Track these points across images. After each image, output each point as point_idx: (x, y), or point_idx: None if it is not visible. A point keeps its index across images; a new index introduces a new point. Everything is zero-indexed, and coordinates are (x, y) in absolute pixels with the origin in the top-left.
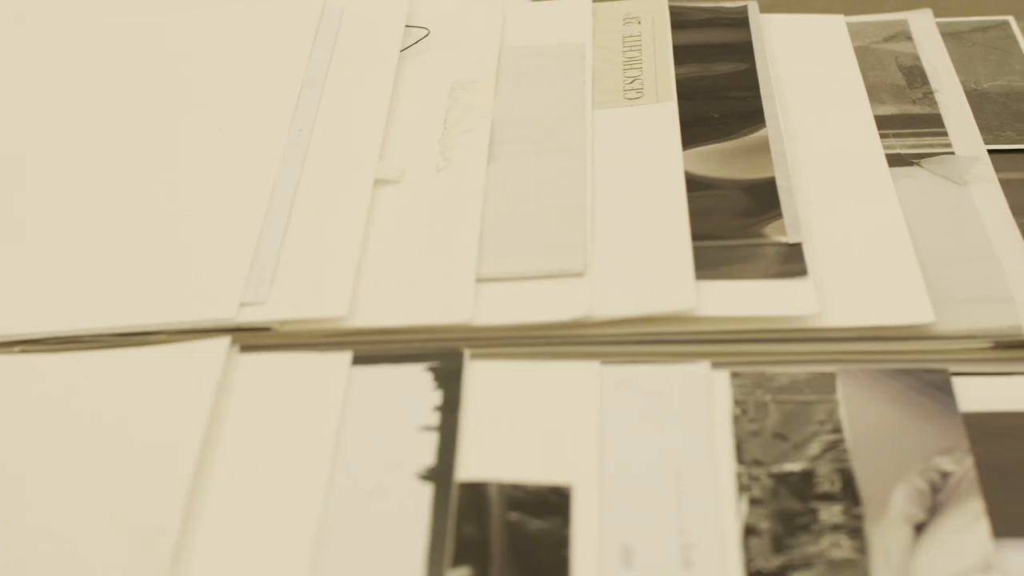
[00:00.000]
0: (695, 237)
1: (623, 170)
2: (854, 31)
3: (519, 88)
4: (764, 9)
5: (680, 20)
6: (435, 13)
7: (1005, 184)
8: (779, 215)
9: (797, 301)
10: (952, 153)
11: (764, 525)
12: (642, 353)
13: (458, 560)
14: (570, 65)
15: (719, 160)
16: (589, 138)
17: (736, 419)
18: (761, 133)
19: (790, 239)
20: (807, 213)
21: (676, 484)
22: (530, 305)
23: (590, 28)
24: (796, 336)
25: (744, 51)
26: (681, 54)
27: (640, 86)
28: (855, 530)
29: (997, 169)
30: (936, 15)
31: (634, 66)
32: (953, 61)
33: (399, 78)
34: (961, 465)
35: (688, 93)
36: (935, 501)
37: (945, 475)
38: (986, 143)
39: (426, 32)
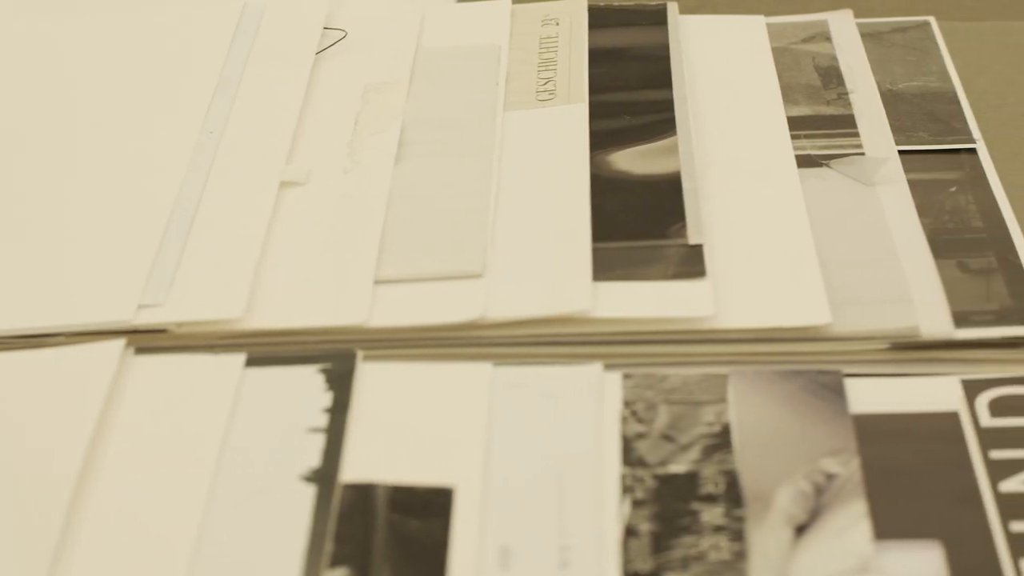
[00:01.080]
0: (598, 239)
1: (530, 171)
2: (774, 32)
3: (432, 90)
4: (690, 10)
5: (599, 21)
6: (355, 15)
7: (914, 185)
8: (683, 217)
9: (693, 302)
10: (862, 154)
11: (644, 527)
12: (537, 355)
13: (336, 561)
14: (484, 67)
15: (628, 161)
16: (498, 140)
17: (624, 421)
18: (671, 135)
19: (691, 240)
20: (714, 214)
21: (559, 486)
22: (426, 306)
23: (508, 30)
24: (692, 337)
25: (660, 52)
26: (598, 55)
27: (553, 87)
28: (736, 532)
29: (908, 170)
30: (864, 15)
31: (548, 67)
32: (871, 62)
33: (314, 80)
34: (847, 467)
35: (602, 94)
36: (818, 503)
37: (830, 477)
38: (898, 144)
39: (343, 34)
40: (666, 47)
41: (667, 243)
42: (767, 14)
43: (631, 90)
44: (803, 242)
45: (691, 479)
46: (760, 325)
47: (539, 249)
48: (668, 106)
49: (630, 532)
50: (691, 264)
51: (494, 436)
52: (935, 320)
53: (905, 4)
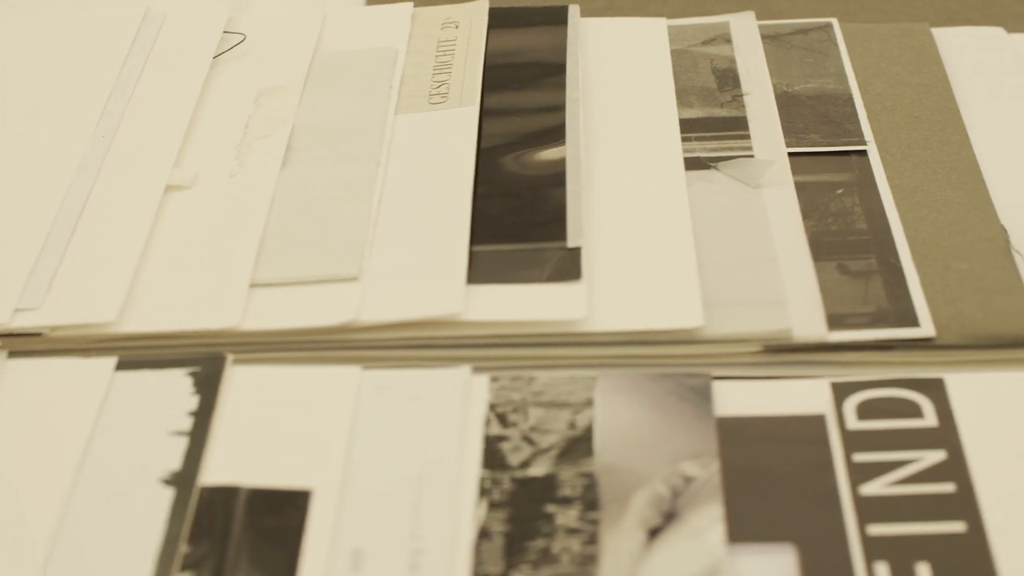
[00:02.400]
0: (480, 242)
1: (415, 175)
2: (675, 34)
3: (325, 94)
4: (596, 12)
5: (501, 23)
6: (256, 19)
7: (802, 186)
8: (563, 220)
9: (565, 305)
10: (751, 156)
11: (498, 529)
12: (410, 358)
13: (188, 564)
14: (379, 70)
15: (515, 164)
16: (385, 143)
17: (488, 423)
18: (560, 137)
19: (570, 243)
20: (598, 217)
21: (418, 488)
22: (300, 310)
23: (407, 33)
24: (563, 340)
25: (558, 54)
26: (496, 57)
27: (446, 90)
28: (589, 534)
29: (797, 171)
30: (775, 18)
31: (444, 71)
32: (771, 63)
33: (211, 84)
34: (707, 470)
35: (496, 96)
36: (675, 506)
37: (689, 480)
38: (789, 146)
39: (242, 38)
40: (564, 49)
41: (546, 246)
42: (677, 16)
43: (525, 92)
44: (682, 245)
45: (549, 482)
46: (632, 328)
47: (417, 253)
48: (560, 109)
49: (484, 534)
50: (567, 267)
51: (357, 439)
52: (808, 323)
53: (816, 6)
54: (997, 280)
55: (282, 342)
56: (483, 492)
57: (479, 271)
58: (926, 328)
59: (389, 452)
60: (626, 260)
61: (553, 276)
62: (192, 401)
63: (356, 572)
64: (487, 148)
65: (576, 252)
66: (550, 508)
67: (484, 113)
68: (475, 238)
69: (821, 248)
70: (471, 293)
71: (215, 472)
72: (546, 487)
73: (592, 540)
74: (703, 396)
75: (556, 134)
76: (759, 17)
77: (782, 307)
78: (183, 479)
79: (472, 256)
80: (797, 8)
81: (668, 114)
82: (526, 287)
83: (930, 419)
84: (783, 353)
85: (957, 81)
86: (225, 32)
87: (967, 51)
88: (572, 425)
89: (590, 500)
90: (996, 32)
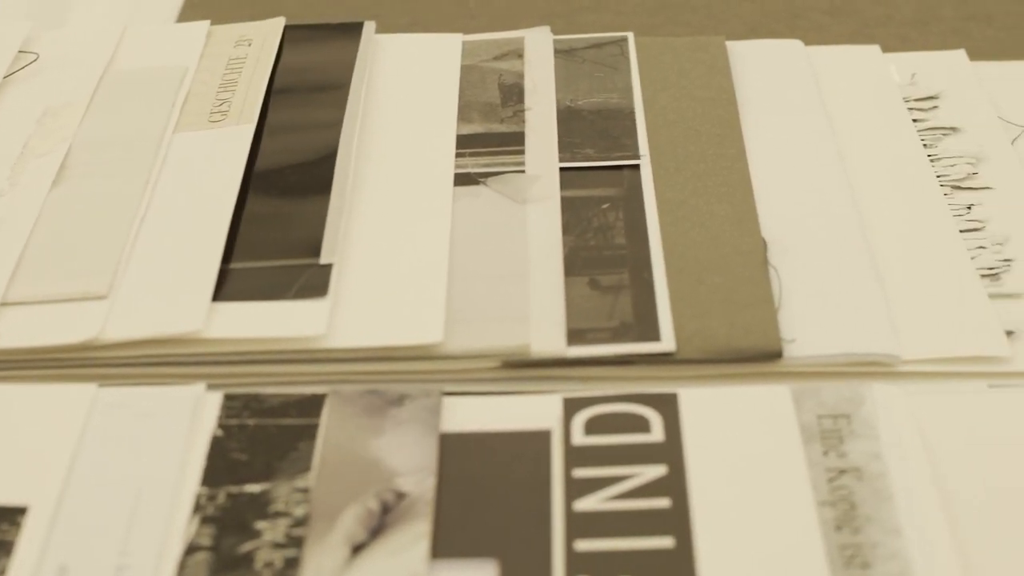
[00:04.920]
0: (239, 259)
1: (183, 192)
2: (469, 49)
3: (109, 112)
4: (403, 28)
5: (295, 40)
6: (52, 38)
7: (569, 201)
8: (320, 236)
9: (306, 322)
10: (522, 171)
11: (206, 543)
12: (152, 375)
13: None
14: (164, 89)
15: (284, 181)
16: (158, 161)
17: (215, 441)
18: (332, 155)
19: (323, 260)
20: (361, 233)
21: (133, 506)
22: (45, 328)
23: (199, 51)
24: (303, 357)
25: (345, 70)
26: (285, 75)
27: (227, 108)
28: (294, 550)
29: (569, 186)
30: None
31: (229, 88)
32: (560, 78)
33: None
34: (420, 486)
35: (278, 113)
36: (383, 522)
37: (401, 496)
38: (564, 160)
39: (35, 57)
40: (352, 66)
41: (299, 263)
42: (484, 31)
43: (306, 109)
44: (436, 261)
45: (264, 497)
46: (371, 344)
47: (171, 270)
48: (337, 125)
49: (191, 549)
50: (316, 284)
51: (82, 456)
52: (547, 338)
53: (621, 20)
54: (747, 294)
55: (27, 360)
56: (197, 508)
57: (231, 288)
58: (667, 343)
59: (111, 469)
60: (379, 276)
61: (300, 293)
62: None
63: None
64: (261, 165)
65: (327, 269)
66: (260, 523)
67: (264, 130)
68: (234, 255)
69: (576, 263)
70: (218, 311)
71: None
72: (260, 503)
73: (296, 555)
74: (430, 412)
75: (329, 151)
76: (565, 32)
77: (523, 323)
78: None
79: (227, 274)
80: (603, 22)
81: (446, 130)
82: (273, 304)
83: (657, 434)
84: (522, 369)
85: (747, 94)
86: (20, 51)
87: (762, 64)
88: (296, 443)
89: (300, 516)
90: (794, 44)
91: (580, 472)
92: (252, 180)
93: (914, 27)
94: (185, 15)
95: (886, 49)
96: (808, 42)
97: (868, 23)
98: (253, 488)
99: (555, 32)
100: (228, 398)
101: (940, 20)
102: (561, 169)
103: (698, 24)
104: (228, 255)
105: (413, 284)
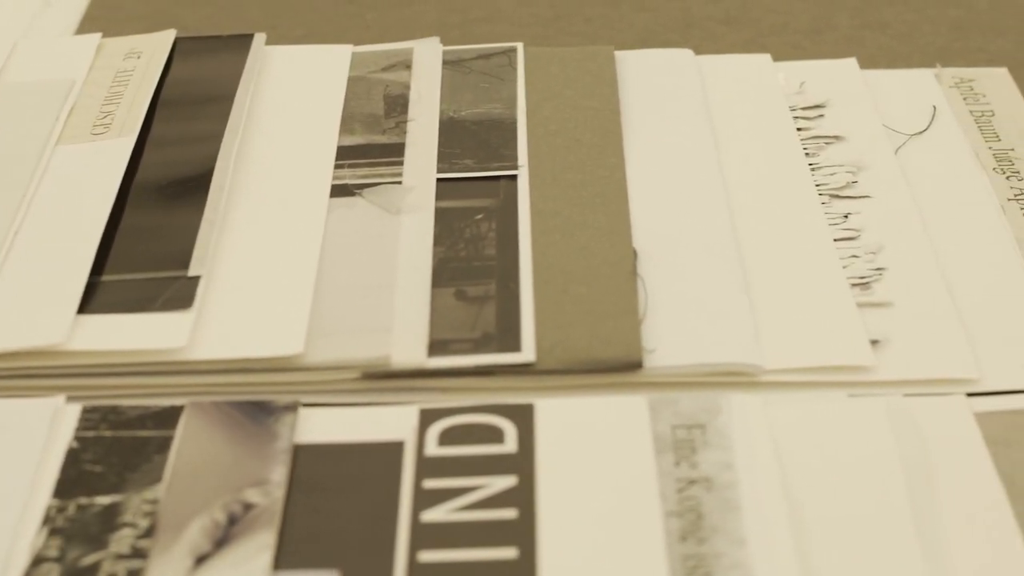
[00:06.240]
0: (109, 271)
1: (58, 207)
2: (359, 60)
3: None
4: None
5: (185, 52)
6: None
7: (444, 212)
8: (191, 249)
9: (168, 334)
10: (399, 183)
11: (53, 555)
12: (13, 388)
13: None
14: (51, 101)
15: (161, 193)
16: (36, 175)
17: (70, 453)
18: (210, 167)
19: (191, 272)
20: (234, 245)
21: None
22: None
23: (87, 64)
24: (163, 369)
25: (232, 83)
26: (172, 87)
27: (110, 121)
28: (139, 561)
29: (446, 197)
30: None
31: (114, 101)
32: (447, 89)
33: None
34: (268, 497)
35: (161, 125)
36: (228, 533)
37: (248, 507)
38: (442, 171)
39: None
40: (239, 78)
41: (168, 275)
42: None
43: (189, 121)
44: (303, 273)
45: (115, 509)
46: (232, 356)
47: (38, 283)
48: (218, 138)
49: (37, 561)
50: (182, 296)
51: None
52: (408, 349)
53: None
54: (612, 304)
55: None
56: (47, 520)
57: (99, 301)
58: (527, 353)
59: None
60: (246, 289)
61: (165, 305)
62: None
63: None
64: (141, 178)
65: (194, 281)
66: (108, 535)
67: (147, 143)
68: (106, 268)
69: (444, 274)
70: (83, 323)
71: None
72: (110, 514)
73: (139, 567)
74: (282, 423)
75: (208, 164)
76: (460, 42)
77: (385, 334)
78: None
79: (97, 286)
80: (497, 33)
81: (327, 141)
82: (139, 316)
83: (511, 445)
84: (382, 380)
85: (632, 104)
86: None
87: (650, 73)
88: (150, 455)
89: (147, 527)
90: (684, 54)
91: (430, 483)
92: (130, 193)
93: (808, 36)
94: (84, 28)
95: (780, 58)
96: (701, 51)
97: (763, 32)
98: (104, 500)
99: (450, 43)
100: (87, 410)
101: (835, 28)
102: (439, 180)
103: (592, 34)
104: (101, 268)
105: (279, 296)
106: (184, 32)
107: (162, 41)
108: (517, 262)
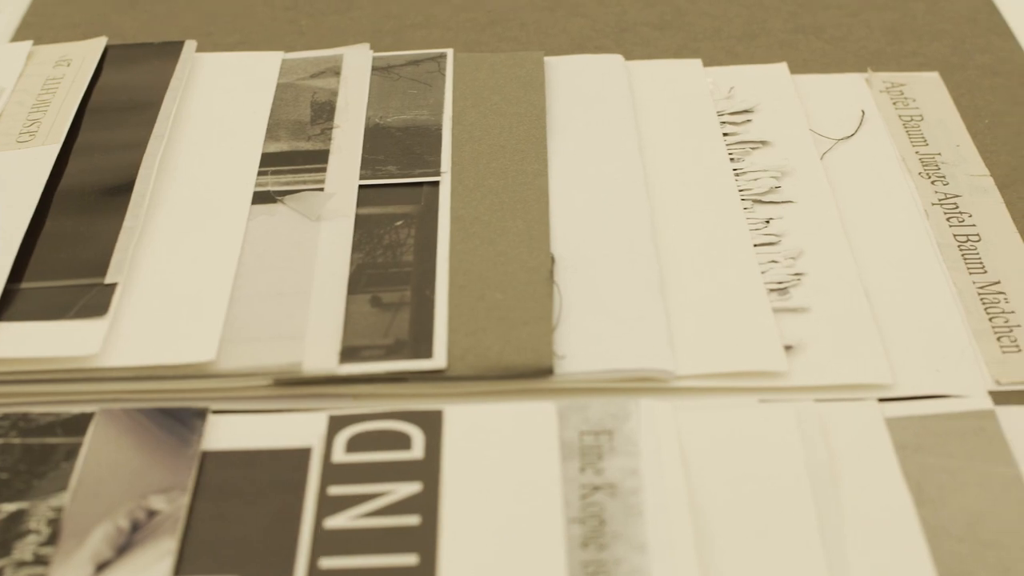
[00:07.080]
0: (28, 279)
1: None
2: (288, 67)
3: None
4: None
5: (116, 60)
6: None
7: (365, 219)
8: (108, 257)
9: (80, 341)
10: (321, 189)
11: None
12: None
13: None
14: None
15: (83, 201)
16: None
17: None
18: (133, 175)
19: (108, 279)
20: (154, 252)
21: None
22: None
23: (17, 72)
24: (76, 376)
25: (159, 90)
26: (101, 95)
27: (36, 129)
28: (41, 568)
29: (366, 203)
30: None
31: (41, 109)
32: (374, 95)
33: None
34: (173, 504)
35: (88, 133)
36: (130, 540)
37: (152, 513)
38: (365, 178)
39: None
40: (166, 86)
41: (85, 282)
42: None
43: (116, 129)
44: (220, 279)
45: (18, 517)
46: (143, 363)
47: None
48: (142, 145)
49: None
50: (97, 303)
51: None
52: (319, 356)
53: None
54: (526, 311)
55: None
56: None
57: (16, 309)
58: (438, 360)
59: None
60: (163, 296)
61: (80, 312)
62: None
63: None
64: (64, 186)
65: (111, 288)
66: (12, 542)
67: (73, 151)
68: (25, 276)
69: (361, 281)
70: None
71: None
72: (15, 521)
73: (40, 573)
74: (191, 430)
75: (130, 172)
76: (394, 48)
77: (298, 341)
78: None
79: (15, 294)
80: (431, 39)
81: (252, 148)
82: (53, 324)
83: (417, 451)
84: (295, 387)
85: (559, 109)
86: None
87: (579, 79)
88: (59, 460)
89: (50, 534)
90: (614, 59)
91: (335, 490)
92: (53, 200)
93: (742, 41)
94: (20, 35)
95: (712, 62)
96: (634, 56)
97: (697, 36)
98: (9, 507)
99: (384, 49)
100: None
101: (769, 33)
102: (361, 186)
103: (526, 40)
104: (20, 275)
105: (194, 303)
106: (120, 39)
107: (92, 48)
108: (434, 268)
